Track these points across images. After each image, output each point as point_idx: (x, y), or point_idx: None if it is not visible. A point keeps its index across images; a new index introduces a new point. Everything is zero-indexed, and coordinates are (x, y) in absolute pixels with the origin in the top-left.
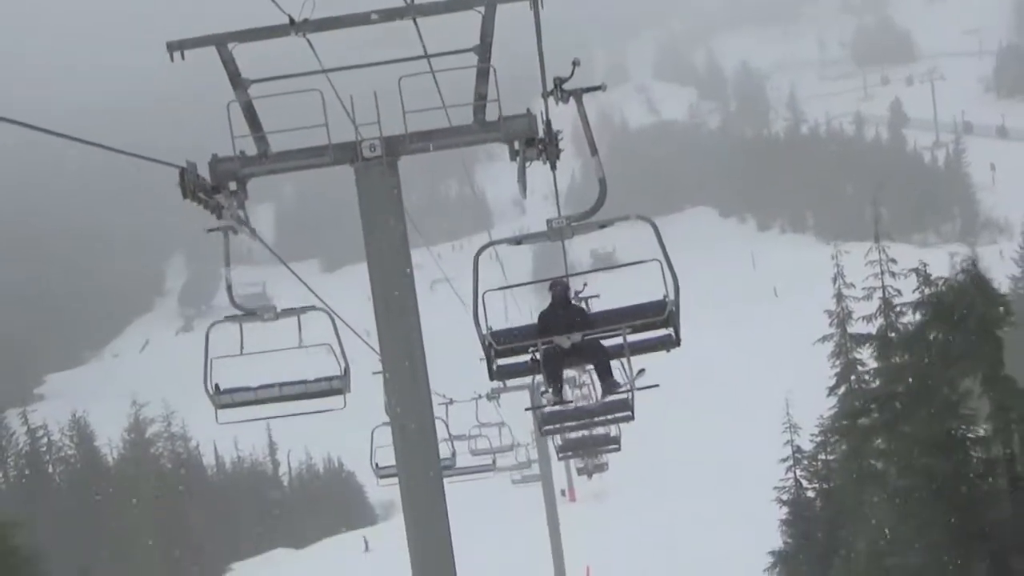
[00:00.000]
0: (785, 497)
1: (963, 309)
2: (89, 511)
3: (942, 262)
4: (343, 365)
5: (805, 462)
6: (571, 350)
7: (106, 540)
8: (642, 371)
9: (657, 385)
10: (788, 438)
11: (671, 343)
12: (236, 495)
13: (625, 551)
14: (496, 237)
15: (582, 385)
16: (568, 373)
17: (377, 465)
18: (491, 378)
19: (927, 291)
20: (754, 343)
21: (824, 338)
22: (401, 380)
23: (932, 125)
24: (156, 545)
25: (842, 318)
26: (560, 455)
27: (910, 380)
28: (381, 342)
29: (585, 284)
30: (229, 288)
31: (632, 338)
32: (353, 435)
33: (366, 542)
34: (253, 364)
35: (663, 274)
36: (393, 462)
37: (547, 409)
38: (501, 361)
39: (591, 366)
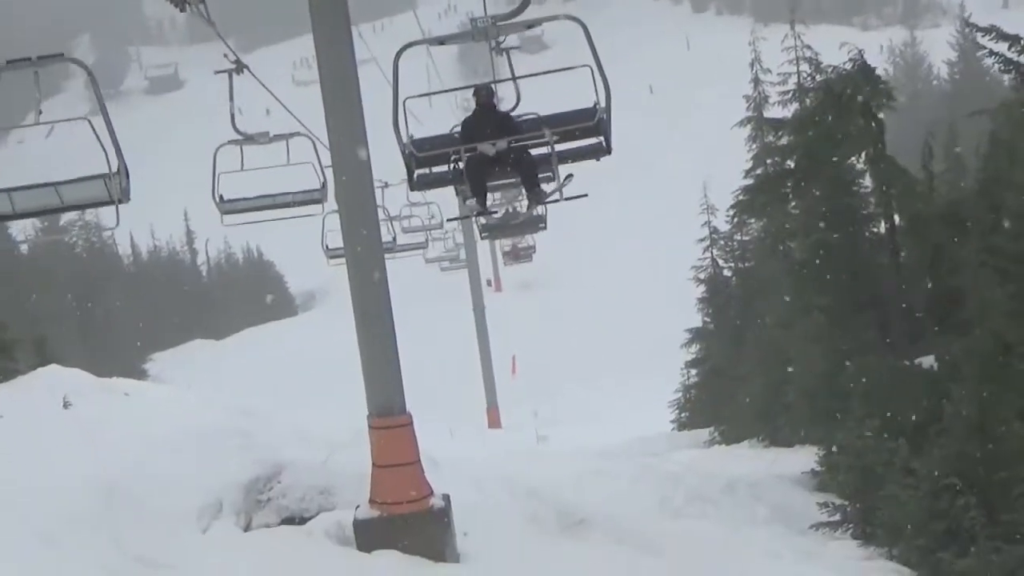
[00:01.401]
0: (703, 276)
1: (849, 94)
2: (7, 301)
3: (882, 45)
4: (322, 180)
5: (722, 242)
6: (496, 158)
7: (27, 328)
8: (570, 177)
9: (585, 195)
10: (706, 219)
11: (601, 151)
12: (153, 285)
13: (551, 340)
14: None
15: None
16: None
17: (327, 247)
18: (412, 188)
19: (818, 77)
20: (682, 129)
21: (741, 122)
22: (348, 165)
23: None
24: (76, 335)
25: (758, 102)
26: (483, 234)
27: (802, 158)
28: (330, 131)
29: (504, 38)
30: (232, 118)
31: (561, 146)
32: (272, 223)
33: None
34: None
35: (594, 79)
36: (341, 244)
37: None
38: (423, 170)
39: (517, 176)
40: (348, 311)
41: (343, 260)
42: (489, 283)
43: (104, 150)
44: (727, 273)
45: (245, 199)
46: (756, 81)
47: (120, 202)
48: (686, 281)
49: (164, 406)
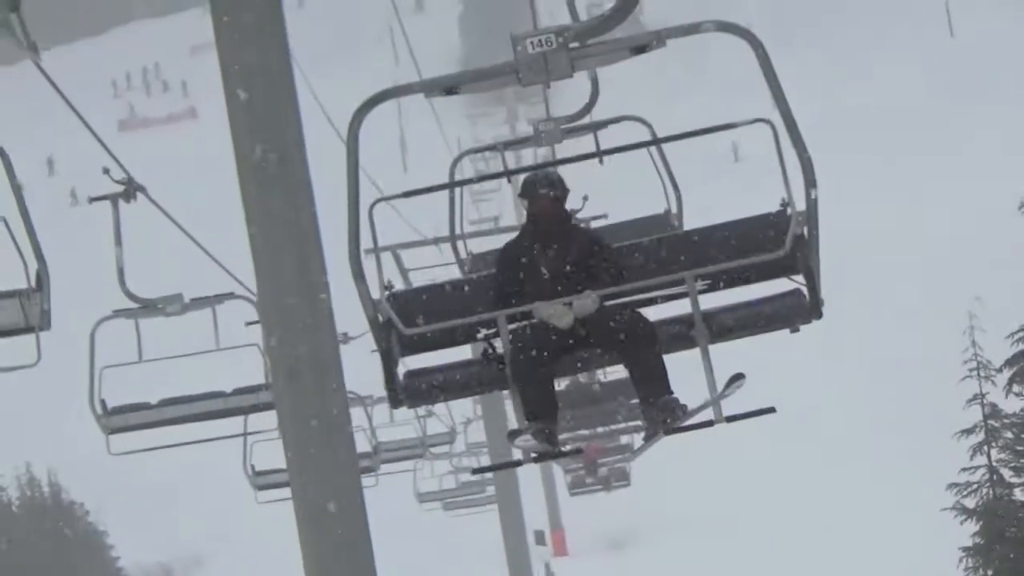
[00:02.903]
0: (973, 504)
1: None
2: None
3: None
4: None
5: (1009, 435)
6: (576, 333)
7: None
8: (738, 379)
9: (773, 409)
10: (976, 391)
11: (803, 311)
12: None
13: None
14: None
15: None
16: None
17: (253, 469)
18: (393, 403)
19: None
20: (932, 192)
21: None
22: (289, 308)
23: None
24: None
25: None
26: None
27: None
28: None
29: (585, 198)
30: (120, 272)
31: (711, 300)
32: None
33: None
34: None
35: (776, 144)
36: (280, 464)
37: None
38: (415, 363)
39: (621, 365)
40: None
41: (284, 493)
42: (541, 539)
43: (22, 257)
44: (1021, 496)
45: (145, 407)
46: None
47: (40, 329)
48: (938, 515)
49: None
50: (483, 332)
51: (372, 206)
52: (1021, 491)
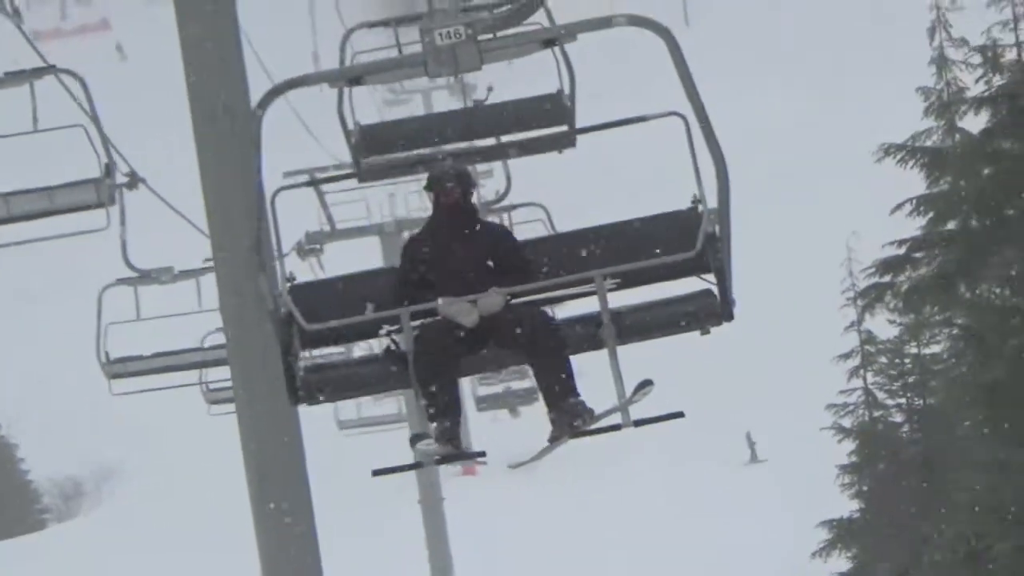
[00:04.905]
0: (850, 424)
1: None
2: None
3: None
4: None
5: (884, 359)
6: (481, 331)
7: None
8: (646, 386)
9: (681, 414)
10: (853, 318)
11: (712, 314)
12: None
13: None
14: None
15: None
16: None
17: (207, 386)
18: (292, 400)
19: (996, 80)
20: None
21: (911, 143)
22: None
23: None
24: None
25: (945, 101)
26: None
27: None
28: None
29: (490, 88)
30: (123, 246)
31: (621, 297)
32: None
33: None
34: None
35: (688, 139)
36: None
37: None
38: (313, 357)
39: (526, 366)
40: (172, 512)
41: (231, 407)
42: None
43: (97, 155)
44: (896, 418)
45: (139, 358)
46: (941, 63)
47: (109, 204)
48: (818, 434)
49: None
50: (386, 328)
51: (274, 196)
52: (895, 412)
